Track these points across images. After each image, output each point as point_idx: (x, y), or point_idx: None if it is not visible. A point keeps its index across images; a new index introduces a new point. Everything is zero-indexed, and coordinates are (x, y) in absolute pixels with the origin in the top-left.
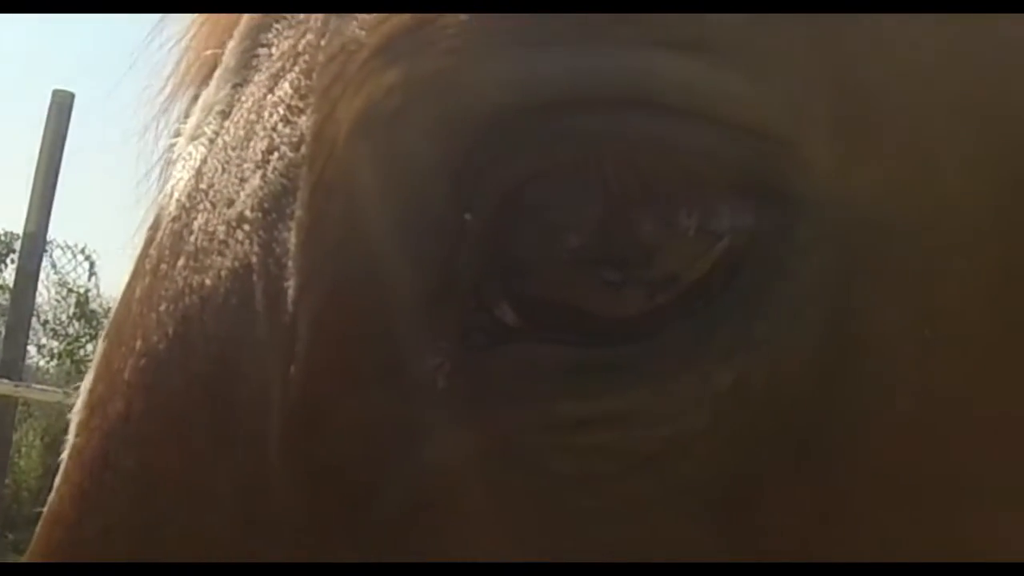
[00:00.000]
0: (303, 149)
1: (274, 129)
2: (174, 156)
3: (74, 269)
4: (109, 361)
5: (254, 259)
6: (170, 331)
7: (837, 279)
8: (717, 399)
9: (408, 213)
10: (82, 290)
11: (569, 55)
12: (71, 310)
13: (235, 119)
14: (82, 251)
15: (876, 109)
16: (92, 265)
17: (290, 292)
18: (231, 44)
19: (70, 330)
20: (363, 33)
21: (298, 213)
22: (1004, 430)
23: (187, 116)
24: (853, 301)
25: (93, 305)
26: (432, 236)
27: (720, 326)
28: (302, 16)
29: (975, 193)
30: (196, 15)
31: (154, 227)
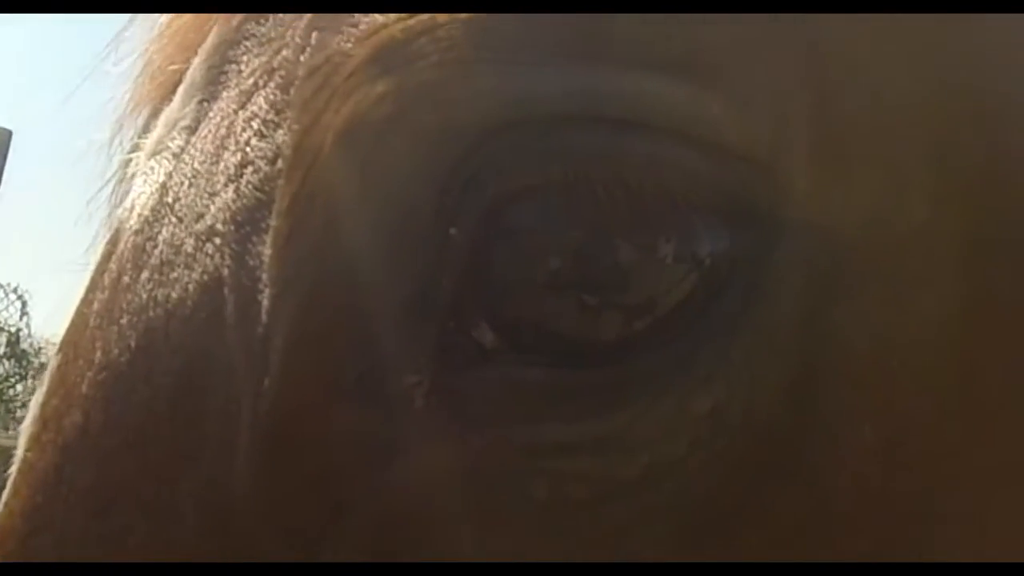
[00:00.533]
0: (280, 162)
1: (247, 143)
2: (133, 171)
3: (5, 308)
4: (64, 374)
5: (225, 272)
6: (133, 344)
7: (810, 305)
8: (695, 425)
9: (392, 224)
10: (13, 329)
11: (561, 74)
12: (1, 349)
13: (202, 134)
14: (14, 290)
15: (851, 137)
16: (24, 304)
17: (264, 304)
18: (196, 61)
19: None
20: (350, 45)
21: (275, 223)
22: (967, 456)
23: (147, 131)
24: (824, 328)
25: (24, 345)
26: (415, 249)
27: (699, 351)
28: (274, 33)
29: (942, 225)
30: (154, 30)
31: (113, 241)
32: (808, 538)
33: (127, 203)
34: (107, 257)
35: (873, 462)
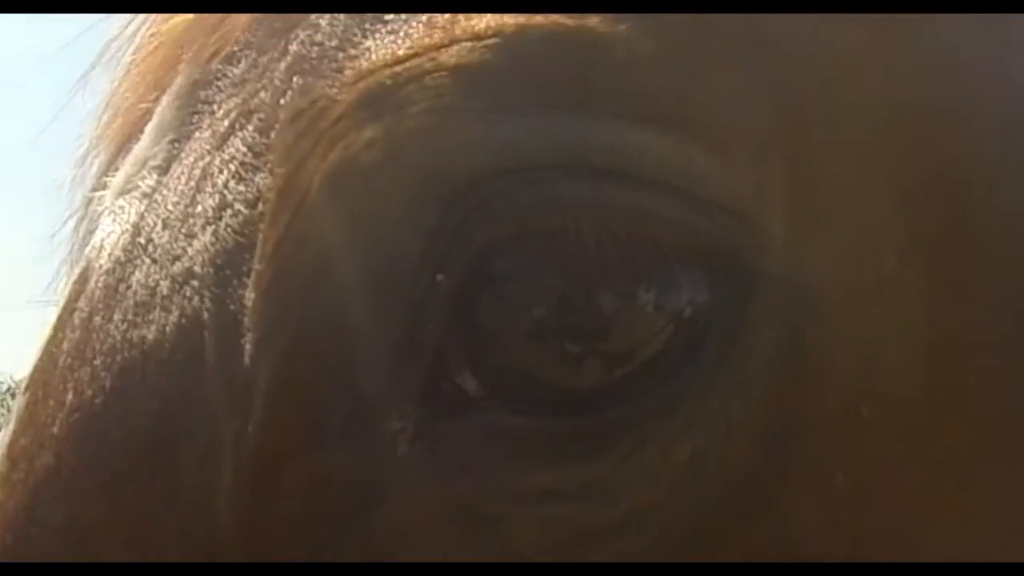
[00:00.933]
0: (261, 206)
1: (225, 186)
2: (100, 209)
3: None
4: (33, 414)
5: (205, 315)
6: (107, 385)
7: (784, 356)
8: (675, 471)
9: (379, 269)
10: None
11: (548, 123)
12: None
13: (175, 175)
14: None
15: (824, 190)
16: None
17: (246, 347)
18: (166, 100)
19: None
20: (335, 90)
21: (258, 267)
22: (933, 500)
23: (114, 169)
24: (797, 378)
25: None
26: (401, 295)
27: (679, 399)
28: (249, 75)
29: (910, 275)
30: (120, 69)
31: (82, 279)
32: None
33: (96, 242)
34: (76, 296)
35: (844, 507)
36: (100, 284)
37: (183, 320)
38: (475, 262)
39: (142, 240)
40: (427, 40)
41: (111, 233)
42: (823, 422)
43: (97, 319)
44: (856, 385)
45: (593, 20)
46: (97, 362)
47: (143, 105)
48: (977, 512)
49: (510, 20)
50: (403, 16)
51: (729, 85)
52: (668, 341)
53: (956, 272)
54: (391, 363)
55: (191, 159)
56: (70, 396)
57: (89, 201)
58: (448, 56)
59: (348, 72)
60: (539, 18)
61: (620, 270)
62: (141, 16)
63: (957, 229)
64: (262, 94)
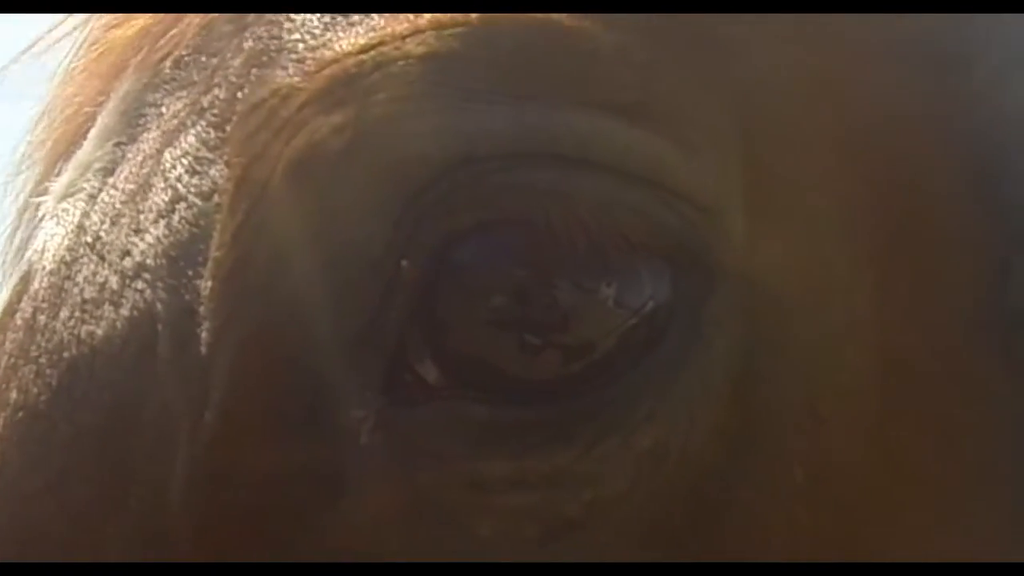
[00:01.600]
0: (216, 197)
1: (178, 180)
2: (42, 214)
3: None
4: None
5: (158, 306)
6: (53, 382)
7: (743, 351)
8: (637, 462)
9: (343, 257)
10: None
11: (515, 111)
12: None
13: (122, 175)
14: None
15: (779, 190)
16: None
17: (203, 337)
18: (110, 105)
19: None
20: (298, 79)
21: (215, 255)
22: (892, 503)
23: (55, 175)
24: (756, 374)
25: None
26: (364, 282)
27: (641, 392)
28: (198, 76)
29: (858, 284)
30: (59, 74)
31: (24, 281)
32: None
33: (38, 245)
34: (17, 298)
35: (803, 504)
36: (44, 284)
37: (135, 313)
38: (439, 251)
39: (88, 239)
40: (392, 29)
41: (54, 235)
42: (782, 418)
43: (41, 318)
44: (813, 383)
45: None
46: (43, 360)
47: (86, 111)
48: (936, 512)
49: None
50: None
51: (690, 83)
52: (628, 335)
53: (904, 281)
54: (352, 351)
55: (139, 159)
56: (14, 395)
57: (27, 208)
58: (415, 44)
59: (310, 62)
60: None
61: (584, 262)
62: (78, 19)
63: (905, 240)
64: (215, 91)
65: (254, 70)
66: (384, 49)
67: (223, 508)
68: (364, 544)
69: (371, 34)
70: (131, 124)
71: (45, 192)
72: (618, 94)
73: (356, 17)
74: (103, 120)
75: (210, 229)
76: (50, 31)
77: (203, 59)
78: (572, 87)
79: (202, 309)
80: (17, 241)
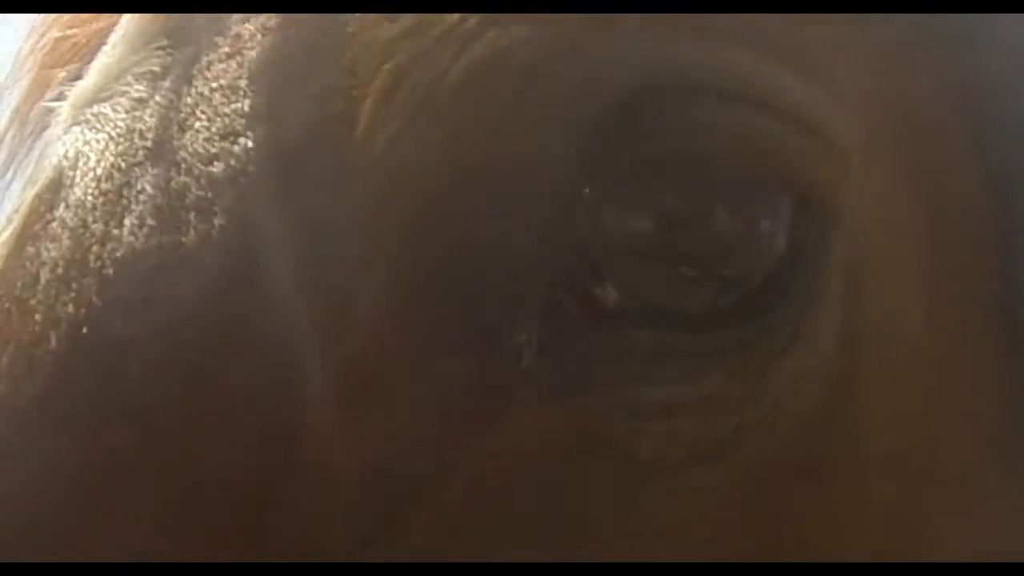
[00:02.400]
0: (336, 101)
1: (276, 84)
2: (56, 120)
3: None
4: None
5: (263, 217)
6: (128, 296)
7: (849, 295)
8: (777, 391)
9: (519, 176)
10: None
11: (698, 47)
12: None
13: (201, 76)
14: None
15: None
16: None
17: (342, 253)
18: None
19: None
20: None
21: (363, 165)
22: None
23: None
24: (858, 323)
25: None
26: (542, 203)
27: (784, 321)
28: None
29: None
30: None
31: (53, 189)
32: (843, 510)
33: (65, 152)
34: (47, 206)
35: (901, 428)
36: (92, 191)
37: (231, 224)
38: (619, 180)
39: (148, 144)
40: None
41: (91, 141)
42: (882, 351)
43: (96, 227)
44: (899, 338)
45: None
46: (109, 272)
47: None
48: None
49: None
50: None
51: (844, 31)
52: (774, 269)
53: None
54: (520, 274)
55: (214, 62)
56: (71, 309)
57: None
58: None
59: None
60: None
61: (744, 198)
62: None
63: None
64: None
65: None
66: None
67: (369, 433)
68: (521, 470)
69: None
70: (181, 28)
71: (61, 98)
72: (782, 41)
73: None
74: (132, 25)
75: (324, 135)
76: None
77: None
78: (744, 29)
79: (335, 224)
80: (11, 145)
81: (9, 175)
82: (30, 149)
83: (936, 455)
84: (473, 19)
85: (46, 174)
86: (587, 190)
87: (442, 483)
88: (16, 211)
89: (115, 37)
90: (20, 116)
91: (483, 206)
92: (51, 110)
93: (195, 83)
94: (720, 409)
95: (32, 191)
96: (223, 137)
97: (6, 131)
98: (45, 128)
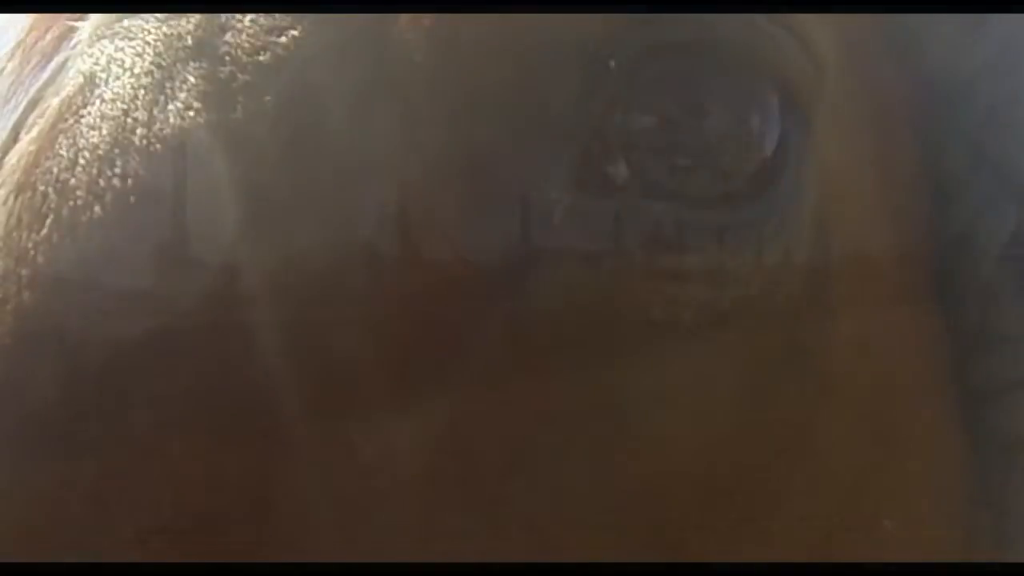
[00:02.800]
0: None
1: None
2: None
3: None
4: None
5: (329, 88)
6: (178, 167)
7: (823, 198)
8: (770, 270)
9: (560, 43)
10: None
11: None
12: None
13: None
14: None
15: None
16: None
17: (406, 110)
18: None
19: None
20: None
21: (427, 24)
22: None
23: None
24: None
25: None
26: (576, 73)
27: (774, 208)
28: None
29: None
30: None
31: (86, 87)
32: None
33: (95, 60)
34: (82, 102)
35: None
36: (130, 86)
37: (281, 101)
38: (639, 59)
39: (188, 43)
40: None
41: (123, 48)
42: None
43: (139, 113)
44: (861, 236)
45: None
46: (157, 147)
47: None
48: None
49: None
50: None
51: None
52: (766, 162)
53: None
54: (557, 135)
55: None
56: (116, 183)
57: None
58: None
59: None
60: None
61: (740, 92)
62: None
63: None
64: None
65: None
66: None
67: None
68: (547, 322)
69: None
70: None
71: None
72: None
73: None
74: None
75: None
76: None
77: None
78: None
79: (388, 91)
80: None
81: (13, 101)
82: (41, 70)
83: (900, 340)
84: None
85: (75, 80)
86: (612, 64)
87: (482, 323)
88: (41, 115)
89: None
90: (24, 48)
91: (525, 66)
92: (72, 29)
93: None
94: (722, 280)
95: (57, 98)
96: (268, 32)
97: (8, 60)
98: (58, 53)
